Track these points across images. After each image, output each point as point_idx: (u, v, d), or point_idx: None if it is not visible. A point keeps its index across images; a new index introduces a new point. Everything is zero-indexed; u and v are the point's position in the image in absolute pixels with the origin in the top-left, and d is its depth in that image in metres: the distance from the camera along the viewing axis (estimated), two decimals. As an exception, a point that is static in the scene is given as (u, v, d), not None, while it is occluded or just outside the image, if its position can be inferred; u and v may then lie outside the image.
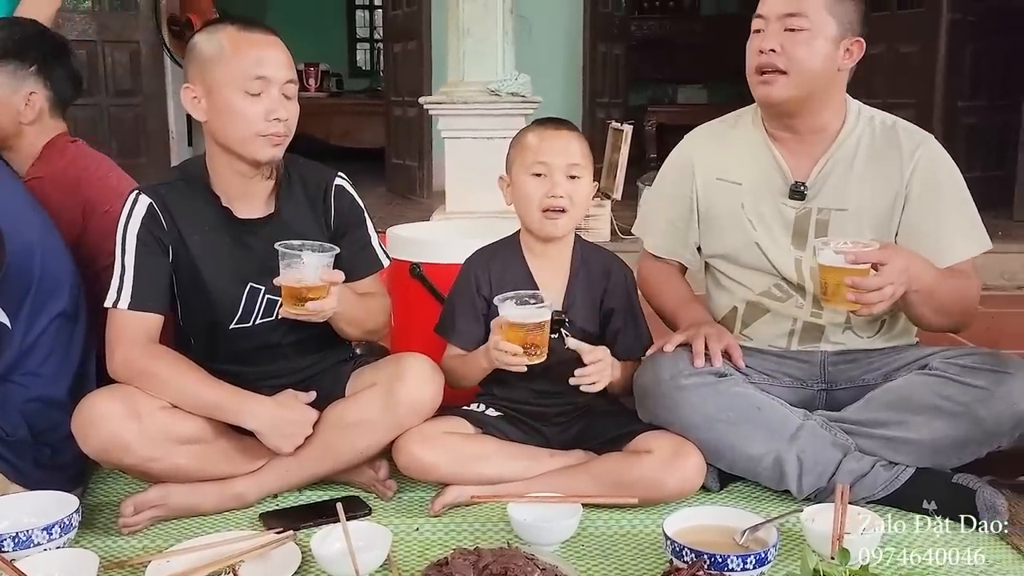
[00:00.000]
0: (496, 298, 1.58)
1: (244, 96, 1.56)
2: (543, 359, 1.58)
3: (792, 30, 1.66)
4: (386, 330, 1.83)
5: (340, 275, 1.55)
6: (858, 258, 1.51)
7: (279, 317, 1.63)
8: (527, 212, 1.71)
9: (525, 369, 1.59)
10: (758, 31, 1.70)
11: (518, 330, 1.55)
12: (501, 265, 1.75)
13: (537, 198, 1.68)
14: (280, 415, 1.63)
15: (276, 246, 1.52)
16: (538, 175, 1.68)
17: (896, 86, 4.57)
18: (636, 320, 1.78)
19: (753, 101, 1.81)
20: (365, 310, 1.71)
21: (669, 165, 1.95)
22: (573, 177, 1.68)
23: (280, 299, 1.63)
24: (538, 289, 1.68)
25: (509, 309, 1.55)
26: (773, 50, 1.67)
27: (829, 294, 1.55)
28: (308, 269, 1.51)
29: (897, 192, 1.72)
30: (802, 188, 1.75)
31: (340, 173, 1.76)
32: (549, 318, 1.57)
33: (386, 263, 1.80)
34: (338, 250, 1.56)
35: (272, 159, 1.62)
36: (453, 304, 1.79)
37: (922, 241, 1.71)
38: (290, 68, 1.62)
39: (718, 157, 1.85)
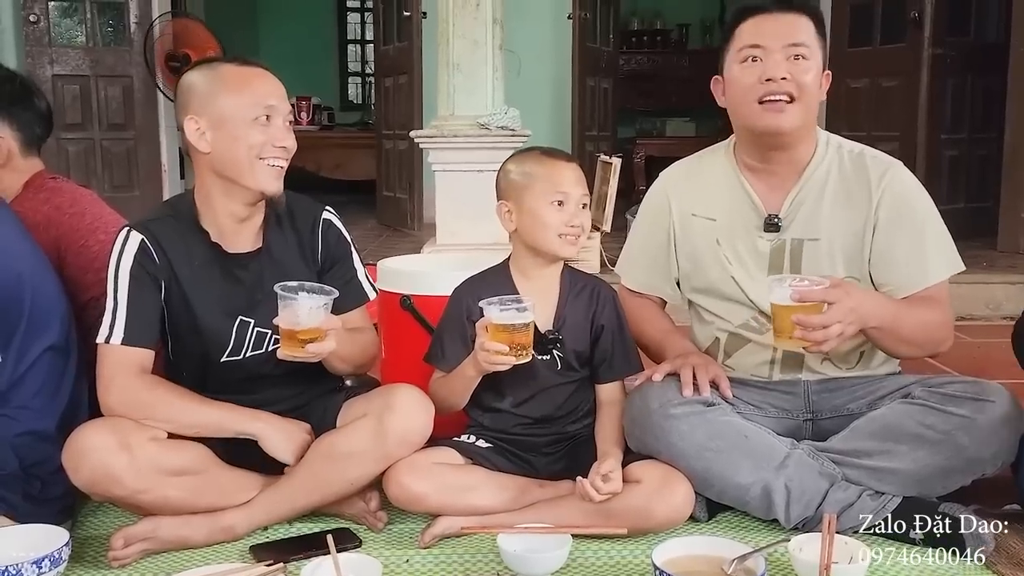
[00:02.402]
0: (481, 302, 1.61)
1: (254, 124, 1.61)
2: (528, 359, 1.61)
3: (798, 57, 1.68)
4: (374, 364, 1.84)
5: (338, 321, 1.58)
6: (803, 296, 1.54)
7: (275, 356, 1.64)
8: (544, 237, 1.72)
9: (510, 367, 1.60)
10: (754, 59, 1.70)
11: (504, 331, 1.57)
12: (491, 292, 1.77)
13: (555, 225, 1.71)
14: (282, 423, 1.66)
15: (275, 288, 1.55)
16: (558, 203, 1.71)
17: (879, 119, 4.65)
18: (624, 339, 1.80)
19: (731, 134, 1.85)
20: (353, 345, 1.73)
21: (646, 202, 1.98)
22: (583, 206, 1.73)
23: (270, 332, 1.65)
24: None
25: (494, 311, 1.58)
26: (784, 78, 1.67)
27: (778, 331, 1.58)
28: (305, 312, 1.53)
29: (866, 219, 1.74)
30: (776, 220, 1.78)
31: (328, 207, 1.79)
32: (532, 319, 1.60)
33: (372, 296, 1.82)
34: (336, 294, 1.59)
35: (276, 191, 1.66)
36: (442, 331, 1.81)
37: (893, 268, 1.73)
38: (287, 100, 1.68)
39: (692, 193, 1.88)
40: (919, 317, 1.70)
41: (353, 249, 1.81)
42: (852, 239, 1.75)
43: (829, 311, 1.54)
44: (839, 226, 1.75)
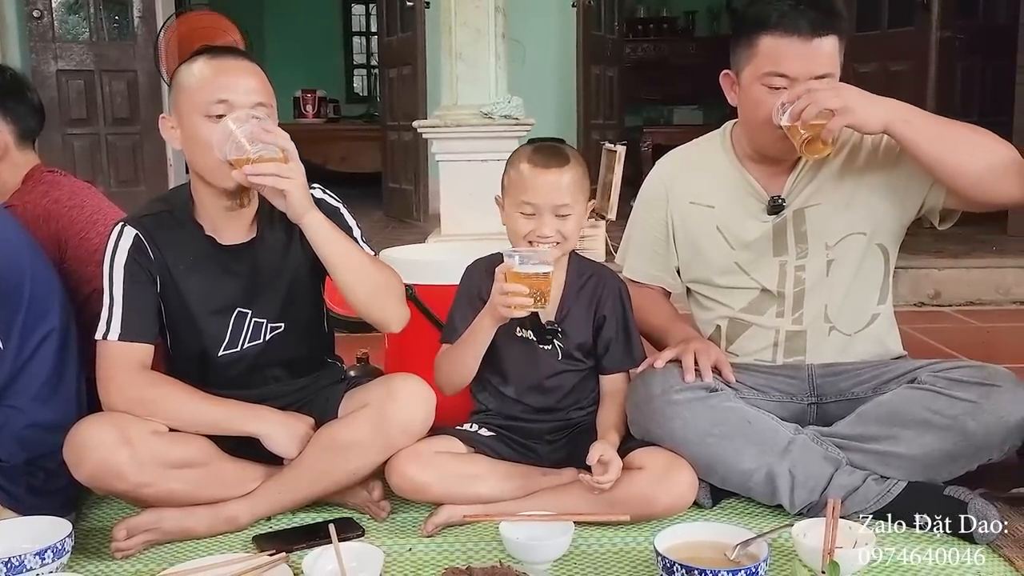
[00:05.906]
0: (503, 251, 1.61)
1: (206, 121, 1.55)
2: (545, 308, 1.62)
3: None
4: (405, 313, 1.70)
5: (288, 139, 1.51)
6: (789, 97, 1.60)
7: (272, 344, 1.63)
8: (517, 244, 1.72)
9: (528, 313, 1.60)
10: (777, 88, 1.64)
11: (523, 278, 1.57)
12: None
13: (524, 233, 1.69)
14: (283, 419, 1.65)
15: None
16: (526, 214, 1.69)
17: (887, 104, 4.62)
18: (628, 331, 1.79)
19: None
20: (366, 257, 1.64)
21: (644, 193, 1.96)
22: (561, 216, 1.68)
23: (267, 320, 1.67)
24: None
25: (515, 260, 1.57)
26: None
27: (797, 144, 1.62)
28: (239, 134, 1.48)
29: (854, 148, 1.75)
30: (780, 201, 1.77)
31: (316, 184, 1.71)
32: (551, 270, 1.59)
33: (370, 254, 1.72)
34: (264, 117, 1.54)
35: (238, 186, 1.57)
36: (454, 309, 1.80)
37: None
38: (259, 92, 1.58)
39: (690, 182, 1.87)
40: (968, 125, 1.66)
41: (344, 213, 1.73)
42: (848, 183, 1.75)
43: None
44: (838, 180, 1.76)
